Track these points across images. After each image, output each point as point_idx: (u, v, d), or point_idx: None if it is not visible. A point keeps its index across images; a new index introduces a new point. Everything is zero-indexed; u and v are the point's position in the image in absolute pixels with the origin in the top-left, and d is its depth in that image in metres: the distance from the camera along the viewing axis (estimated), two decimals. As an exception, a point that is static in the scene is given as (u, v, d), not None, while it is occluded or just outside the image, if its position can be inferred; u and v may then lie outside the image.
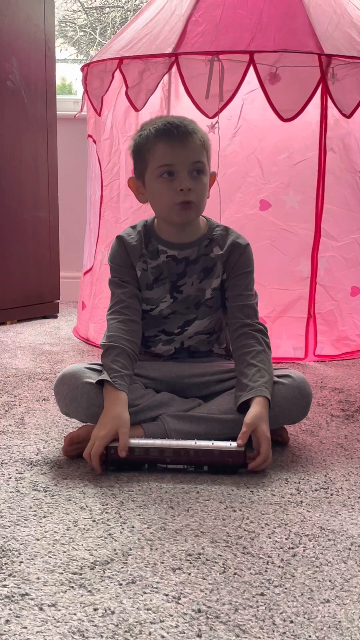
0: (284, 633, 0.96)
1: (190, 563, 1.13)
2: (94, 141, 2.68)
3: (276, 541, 1.21)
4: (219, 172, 2.27)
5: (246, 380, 1.56)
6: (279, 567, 1.13)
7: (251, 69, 2.26)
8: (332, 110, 2.36)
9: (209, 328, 1.71)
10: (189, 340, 1.72)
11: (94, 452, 1.45)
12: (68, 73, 4.16)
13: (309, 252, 2.43)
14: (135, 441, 1.48)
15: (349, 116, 2.37)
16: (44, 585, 1.05)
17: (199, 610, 1.00)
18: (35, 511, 1.29)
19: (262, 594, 1.05)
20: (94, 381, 1.55)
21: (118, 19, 4.13)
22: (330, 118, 2.37)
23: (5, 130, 2.96)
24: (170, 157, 1.56)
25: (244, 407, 1.54)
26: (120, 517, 1.28)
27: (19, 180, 3.04)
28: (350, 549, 1.19)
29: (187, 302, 1.68)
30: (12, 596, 1.02)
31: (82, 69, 2.69)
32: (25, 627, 0.95)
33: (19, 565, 1.11)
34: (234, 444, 1.48)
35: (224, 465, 1.48)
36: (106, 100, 2.54)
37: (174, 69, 2.32)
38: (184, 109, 2.37)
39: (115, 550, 1.16)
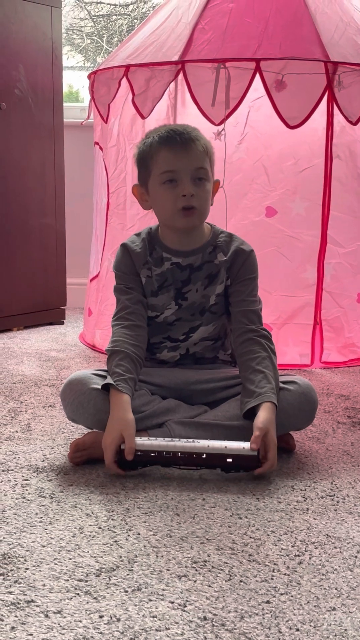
0: (290, 641, 0.96)
1: (196, 570, 1.13)
2: (101, 148, 2.69)
3: (282, 549, 1.21)
4: (225, 179, 2.27)
5: (252, 387, 1.56)
6: (285, 574, 1.12)
7: (257, 76, 2.27)
8: (338, 117, 2.36)
9: (213, 334, 1.71)
10: (194, 346, 1.72)
11: (107, 462, 1.47)
12: (75, 80, 4.18)
13: (315, 258, 2.43)
14: (149, 442, 1.49)
15: (355, 123, 2.37)
16: (50, 592, 1.05)
17: (205, 618, 1.00)
18: (41, 518, 1.29)
19: (268, 602, 1.05)
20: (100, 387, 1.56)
21: (125, 27, 4.14)
22: (336, 125, 2.37)
23: (12, 137, 2.98)
24: (173, 164, 1.57)
25: (250, 414, 1.54)
26: (126, 524, 1.28)
27: (26, 187, 3.06)
28: (356, 557, 1.18)
29: (192, 309, 1.69)
30: (18, 603, 1.02)
31: (88, 77, 2.70)
32: (31, 634, 0.95)
33: (25, 571, 1.11)
34: (246, 446, 1.47)
35: (235, 467, 1.48)
36: (113, 107, 2.55)
37: (181, 76, 2.33)
38: (190, 116, 2.38)
39: (120, 557, 1.16)
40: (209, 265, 1.67)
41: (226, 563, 1.15)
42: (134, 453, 1.46)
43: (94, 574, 1.11)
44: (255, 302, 1.68)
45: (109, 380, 1.54)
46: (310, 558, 1.18)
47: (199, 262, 1.67)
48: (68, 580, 1.09)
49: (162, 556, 1.17)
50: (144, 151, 1.62)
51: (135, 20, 4.12)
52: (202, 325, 1.70)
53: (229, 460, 1.47)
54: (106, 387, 1.55)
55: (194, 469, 1.50)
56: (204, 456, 1.48)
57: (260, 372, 1.57)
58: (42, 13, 3.04)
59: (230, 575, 1.11)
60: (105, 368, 1.62)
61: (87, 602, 1.03)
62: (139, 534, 1.24)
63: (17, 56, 2.96)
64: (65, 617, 0.99)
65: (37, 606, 1.02)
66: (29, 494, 1.40)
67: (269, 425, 1.49)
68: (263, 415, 1.50)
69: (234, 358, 1.76)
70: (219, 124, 2.34)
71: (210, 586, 1.08)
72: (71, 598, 1.04)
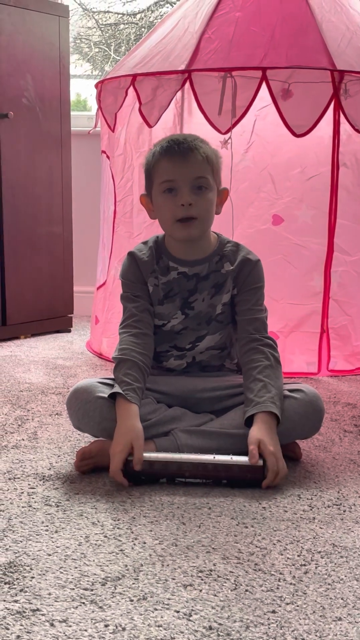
0: (296, 651, 0.95)
1: (202, 579, 1.12)
2: (108, 157, 2.70)
3: (288, 558, 1.20)
4: (232, 188, 2.28)
5: (252, 396, 1.56)
6: (291, 584, 1.12)
7: (264, 85, 2.27)
8: (344, 125, 2.36)
9: (220, 344, 1.71)
10: (201, 355, 1.72)
11: (114, 469, 1.47)
12: (83, 89, 4.20)
13: (321, 267, 2.43)
14: (154, 455, 1.49)
15: (361, 131, 2.37)
16: (55, 601, 1.05)
17: (210, 628, 1.00)
18: (47, 526, 1.30)
19: (273, 612, 1.04)
20: (107, 395, 1.56)
21: (132, 36, 4.17)
22: (342, 133, 2.37)
23: (20, 146, 2.99)
24: (171, 173, 1.58)
25: (251, 422, 1.54)
26: (132, 532, 1.28)
27: (34, 196, 3.07)
28: (362, 567, 1.18)
29: (198, 318, 1.69)
30: (24, 611, 1.02)
31: (96, 86, 2.72)
32: (36, 643, 0.95)
33: (31, 580, 1.11)
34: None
35: (241, 481, 1.48)
36: (120, 116, 2.56)
37: (187, 85, 2.34)
38: (196, 125, 2.39)
39: (126, 566, 1.16)
40: (216, 274, 1.68)
41: (232, 572, 1.15)
42: (142, 463, 1.46)
43: (100, 582, 1.11)
44: (260, 311, 1.68)
45: (117, 389, 1.54)
46: (316, 567, 1.17)
47: (206, 271, 1.68)
48: (74, 589, 1.09)
49: (168, 565, 1.16)
50: (149, 161, 1.64)
51: (143, 29, 4.14)
52: (208, 335, 1.70)
53: (235, 471, 1.47)
54: (112, 396, 1.55)
55: (200, 482, 1.50)
56: (210, 467, 1.47)
57: (260, 381, 1.57)
58: (49, 23, 3.06)
59: (236, 585, 1.11)
60: (112, 376, 1.62)
61: (93, 611, 1.03)
62: (145, 543, 1.24)
63: (24, 65, 2.97)
64: (70, 626, 0.99)
65: (42, 615, 1.02)
66: (35, 502, 1.40)
67: (263, 436, 1.49)
68: (256, 428, 1.50)
69: (240, 367, 1.76)
70: (226, 133, 2.35)
71: (215, 595, 1.08)
72: (77, 607, 1.04)
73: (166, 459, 1.48)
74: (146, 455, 1.48)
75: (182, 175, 1.58)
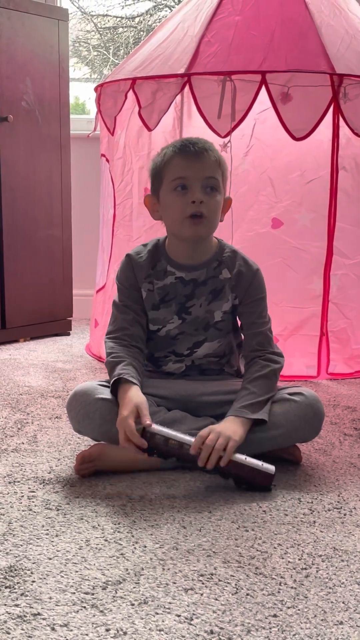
0: (297, 655, 0.95)
1: (203, 583, 1.12)
2: (107, 160, 2.70)
3: (289, 562, 1.20)
4: (231, 191, 2.28)
5: (234, 402, 1.58)
6: (292, 588, 1.12)
7: (263, 88, 2.28)
8: (344, 129, 2.37)
9: (219, 351, 1.72)
10: (199, 360, 1.72)
11: (130, 432, 1.45)
12: (82, 92, 4.20)
13: (321, 270, 2.43)
14: (173, 433, 1.49)
15: (360, 135, 2.38)
16: (56, 605, 1.05)
17: (212, 632, 1.00)
18: (48, 530, 1.29)
19: (274, 615, 1.04)
20: (107, 397, 1.56)
21: (131, 39, 4.17)
22: (342, 137, 2.38)
23: (19, 149, 2.99)
24: (184, 170, 1.59)
25: None
26: (133, 536, 1.28)
27: (33, 199, 3.07)
28: (363, 570, 1.18)
29: (195, 324, 1.69)
30: (24, 616, 1.02)
31: (95, 89, 2.72)
32: (37, 648, 0.95)
33: (31, 584, 1.11)
34: (265, 464, 1.49)
35: (250, 482, 1.48)
36: (119, 120, 2.57)
37: (187, 89, 2.34)
38: (196, 128, 2.39)
39: (127, 570, 1.16)
40: (214, 280, 1.68)
41: (233, 576, 1.15)
42: (151, 423, 1.47)
43: (101, 586, 1.10)
44: (264, 324, 1.68)
45: (117, 372, 1.55)
46: (317, 571, 1.17)
47: (204, 277, 1.68)
48: (74, 593, 1.08)
49: (169, 569, 1.16)
50: (159, 162, 1.64)
51: (142, 33, 4.14)
52: (206, 341, 1.70)
53: (246, 471, 1.47)
54: (114, 392, 1.55)
55: (209, 472, 1.50)
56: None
57: (246, 389, 1.59)
58: (49, 26, 3.07)
59: (237, 589, 1.11)
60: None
61: (94, 615, 1.03)
62: (146, 547, 1.24)
63: (24, 69, 2.98)
64: (71, 630, 0.99)
65: (43, 619, 1.01)
66: (35, 506, 1.40)
67: (215, 428, 1.48)
68: (217, 425, 1.50)
69: (239, 373, 1.76)
70: (225, 136, 2.35)
71: (216, 599, 1.08)
72: (77, 611, 1.04)
73: (184, 440, 1.48)
74: (165, 430, 1.48)
75: (195, 172, 1.59)
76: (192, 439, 1.48)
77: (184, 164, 1.60)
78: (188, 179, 1.59)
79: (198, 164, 1.59)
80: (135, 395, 1.51)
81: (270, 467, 1.49)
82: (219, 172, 1.62)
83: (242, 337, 1.72)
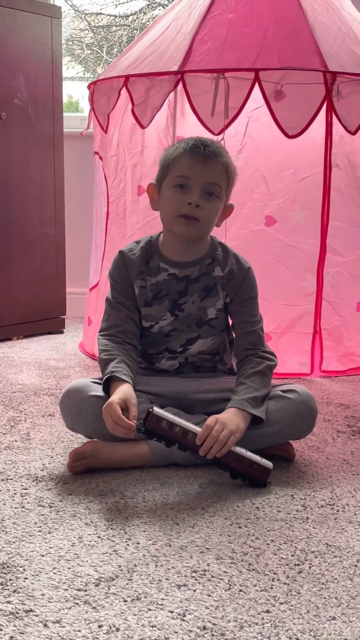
0: (290, 651, 0.95)
1: (196, 580, 1.12)
2: (101, 158, 2.70)
3: (282, 558, 1.20)
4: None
5: (233, 395, 1.58)
6: (285, 584, 1.12)
7: (256, 86, 2.28)
8: (337, 127, 2.37)
9: (212, 349, 1.72)
10: (193, 357, 1.72)
11: (116, 416, 1.44)
12: (75, 91, 4.20)
13: (314, 267, 2.44)
14: (178, 420, 1.48)
15: (354, 133, 2.38)
16: (49, 602, 1.05)
17: (204, 628, 1.00)
18: (40, 527, 1.29)
19: (267, 611, 1.04)
20: (100, 394, 1.56)
21: (125, 38, 4.16)
22: (335, 135, 2.38)
23: (12, 147, 2.99)
24: (188, 170, 1.59)
25: None
26: (126, 533, 1.27)
27: (26, 197, 3.06)
28: (356, 566, 1.18)
29: (188, 321, 1.69)
30: (17, 612, 1.02)
31: (88, 87, 2.71)
32: (30, 644, 0.95)
33: (24, 581, 1.10)
34: (264, 460, 1.49)
35: (247, 476, 1.48)
36: (112, 117, 2.56)
37: (180, 86, 2.34)
38: (189, 126, 2.39)
39: (120, 566, 1.16)
40: (206, 277, 1.68)
41: (226, 572, 1.15)
42: (137, 418, 1.46)
43: (93, 583, 1.10)
44: (256, 322, 1.68)
45: (110, 369, 1.54)
46: (310, 567, 1.17)
47: (196, 274, 1.68)
48: (67, 589, 1.08)
49: (162, 565, 1.16)
50: (170, 153, 1.64)
51: (135, 31, 4.14)
52: (200, 338, 1.70)
53: (246, 464, 1.48)
54: (106, 390, 1.55)
55: (207, 463, 1.50)
56: (224, 451, 1.47)
57: (243, 384, 1.59)
58: (42, 24, 3.06)
59: (230, 585, 1.11)
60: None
61: (86, 612, 1.02)
62: (139, 543, 1.24)
63: (17, 66, 2.97)
64: (64, 627, 0.99)
65: (36, 616, 1.01)
66: (28, 503, 1.40)
67: (220, 417, 1.48)
68: (221, 415, 1.50)
69: (232, 371, 1.76)
70: (218, 134, 2.35)
71: (209, 595, 1.08)
72: (70, 608, 1.03)
73: (189, 428, 1.48)
74: (170, 416, 1.48)
75: (198, 175, 1.58)
76: (196, 428, 1.48)
77: (190, 164, 1.59)
78: (190, 180, 1.59)
79: (203, 167, 1.59)
80: (125, 389, 1.51)
81: (269, 462, 1.50)
82: (224, 179, 1.61)
83: (234, 335, 1.72)
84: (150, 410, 1.47)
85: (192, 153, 1.60)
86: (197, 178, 1.59)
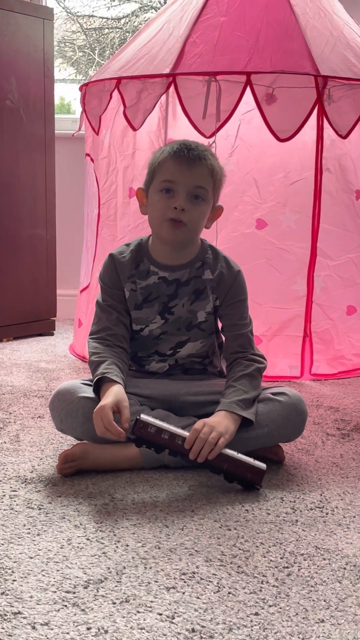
0: (279, 653, 0.95)
1: (185, 582, 1.12)
2: (92, 160, 2.70)
3: (271, 560, 1.20)
4: (216, 191, 2.28)
5: (222, 399, 1.58)
6: (274, 586, 1.12)
7: (248, 89, 2.28)
8: (328, 130, 2.38)
9: (202, 352, 1.72)
10: (182, 360, 1.72)
11: (107, 421, 1.44)
12: (67, 93, 4.19)
13: (305, 271, 2.44)
14: (167, 426, 1.48)
15: (344, 137, 2.39)
16: (37, 604, 1.04)
17: (193, 630, 0.99)
18: (29, 529, 1.29)
19: (256, 614, 1.04)
20: (90, 396, 1.56)
21: (117, 40, 4.17)
22: (326, 138, 2.39)
23: (3, 148, 2.98)
24: (173, 175, 1.59)
25: None
26: (115, 535, 1.27)
27: (17, 198, 3.06)
28: (345, 569, 1.18)
29: (178, 324, 1.69)
30: (5, 614, 1.01)
31: (80, 89, 2.71)
32: (18, 646, 0.94)
33: (12, 583, 1.10)
34: (257, 462, 1.49)
35: (240, 478, 1.48)
36: (104, 119, 2.56)
37: (172, 89, 2.34)
38: (181, 128, 2.39)
39: (109, 568, 1.15)
40: (196, 280, 1.68)
41: (215, 575, 1.15)
42: (129, 422, 1.46)
43: (82, 585, 1.10)
44: (245, 325, 1.68)
45: (100, 371, 1.54)
46: (299, 570, 1.17)
47: (186, 277, 1.68)
48: (56, 591, 1.08)
49: (151, 568, 1.16)
50: (156, 158, 1.64)
51: (127, 34, 4.14)
52: (189, 341, 1.70)
53: (237, 466, 1.47)
54: (97, 391, 1.55)
55: (199, 466, 1.50)
56: (216, 454, 1.47)
57: (232, 387, 1.59)
58: (34, 25, 3.06)
59: (219, 587, 1.11)
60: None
61: (75, 614, 1.02)
62: (128, 546, 1.23)
63: (8, 67, 2.96)
64: (52, 629, 0.98)
65: (24, 618, 1.01)
66: (17, 505, 1.39)
67: (208, 420, 1.48)
68: (210, 419, 1.50)
69: (222, 374, 1.77)
70: (210, 137, 2.35)
71: (198, 598, 1.08)
72: (59, 610, 1.03)
73: (177, 432, 1.48)
74: (158, 422, 1.48)
75: (183, 179, 1.58)
76: (184, 432, 1.48)
77: (175, 169, 1.59)
78: (175, 184, 1.59)
79: (188, 171, 1.58)
80: (117, 391, 1.51)
81: (262, 464, 1.49)
82: (210, 182, 1.61)
83: (223, 338, 1.73)
84: (138, 417, 1.47)
85: (176, 157, 1.59)
86: (182, 182, 1.58)
